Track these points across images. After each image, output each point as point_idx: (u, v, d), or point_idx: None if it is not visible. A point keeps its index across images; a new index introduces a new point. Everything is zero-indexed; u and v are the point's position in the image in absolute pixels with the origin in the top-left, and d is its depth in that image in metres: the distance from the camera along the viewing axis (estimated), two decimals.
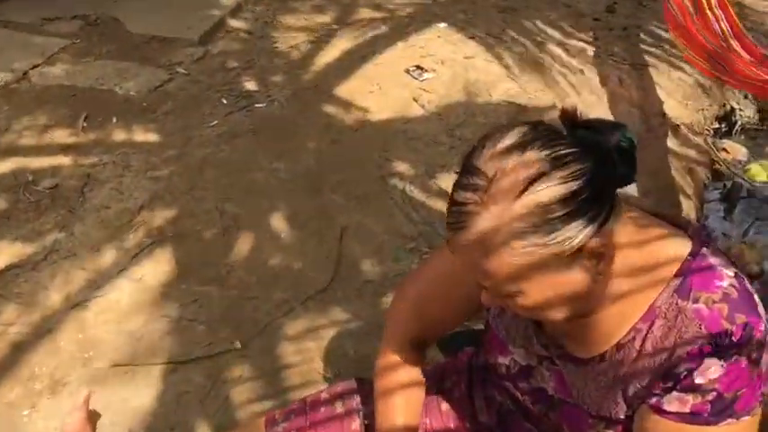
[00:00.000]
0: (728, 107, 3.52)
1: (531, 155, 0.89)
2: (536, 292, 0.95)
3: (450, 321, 1.43)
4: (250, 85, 3.25)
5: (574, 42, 3.63)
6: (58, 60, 3.46)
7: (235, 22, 3.83)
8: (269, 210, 2.49)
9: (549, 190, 0.87)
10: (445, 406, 1.52)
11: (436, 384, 1.55)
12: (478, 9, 3.96)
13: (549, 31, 3.73)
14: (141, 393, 1.87)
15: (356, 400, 1.55)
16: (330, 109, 3.07)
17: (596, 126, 0.92)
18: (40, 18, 3.83)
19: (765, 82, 2.43)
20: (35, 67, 3.40)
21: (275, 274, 2.23)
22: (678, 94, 3.40)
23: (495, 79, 3.26)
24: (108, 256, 2.30)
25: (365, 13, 3.90)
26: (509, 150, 0.90)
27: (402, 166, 2.70)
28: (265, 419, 1.60)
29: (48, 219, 2.48)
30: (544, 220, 0.88)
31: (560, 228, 0.88)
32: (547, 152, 0.89)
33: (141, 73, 3.35)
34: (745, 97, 3.52)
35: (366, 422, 1.51)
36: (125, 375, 1.92)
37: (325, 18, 3.84)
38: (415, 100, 3.12)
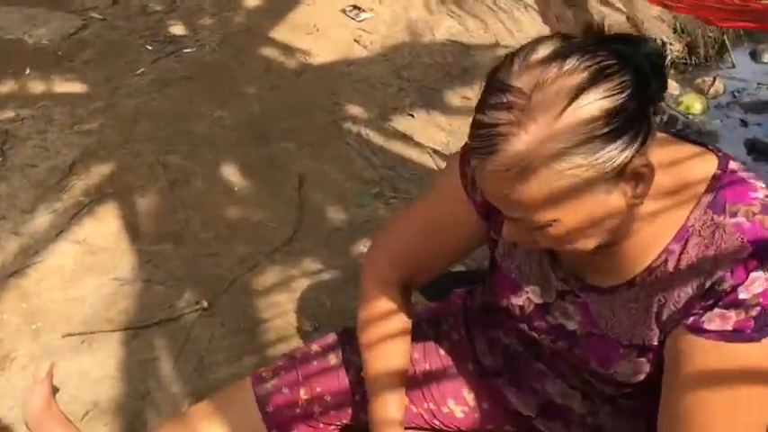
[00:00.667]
0: (659, 42, 3.55)
1: (572, 66, 0.81)
2: (572, 219, 0.88)
3: (435, 268, 1.35)
4: (176, 30, 3.01)
5: None
6: None
7: None
8: (216, 161, 2.32)
9: (594, 104, 0.80)
10: (444, 349, 1.45)
11: (433, 328, 1.48)
12: None
13: None
14: (102, 363, 1.70)
15: (349, 351, 1.46)
16: (267, 52, 2.89)
17: (627, 39, 0.86)
18: None
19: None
20: None
21: (234, 228, 2.08)
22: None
23: (437, 19, 3.15)
24: (43, 219, 2.08)
25: None
26: (546, 62, 0.82)
27: (353, 110, 2.58)
28: (251, 378, 1.49)
29: None
30: (588, 138, 0.81)
31: (604, 146, 0.81)
32: (588, 63, 0.81)
33: (51, 19, 3.04)
34: (674, 31, 3.57)
35: (362, 373, 1.42)
36: (81, 345, 1.74)
37: None
38: (356, 41, 2.98)
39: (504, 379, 1.37)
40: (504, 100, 0.81)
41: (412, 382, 1.40)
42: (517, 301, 1.21)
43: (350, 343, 1.46)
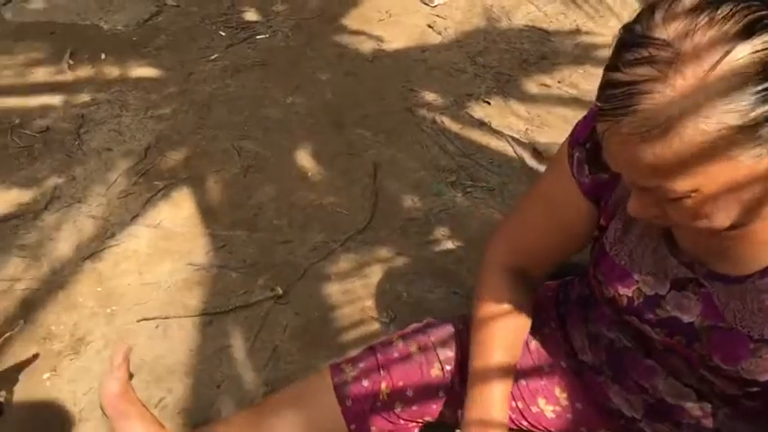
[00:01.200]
0: None
1: (725, 15, 0.71)
2: (713, 187, 0.77)
3: (551, 258, 1.28)
4: (248, 16, 2.99)
5: None
6: None
7: None
8: (291, 147, 2.27)
9: (749, 58, 0.70)
10: (534, 344, 1.37)
11: None
12: None
13: None
14: (177, 349, 1.68)
15: (431, 341, 1.39)
16: (339, 39, 2.83)
17: None
18: None
19: None
20: (5, 3, 3.08)
21: (308, 216, 2.03)
22: None
23: (514, 3, 3.04)
24: (119, 202, 2.08)
25: None
26: (695, 11, 0.72)
27: (428, 97, 2.50)
28: (330, 369, 1.43)
29: (43, 164, 2.23)
30: (740, 95, 0.71)
31: (758, 105, 0.71)
32: (743, 13, 0.71)
33: (127, 5, 3.06)
34: None
35: (447, 367, 1.35)
36: (155, 330, 1.72)
37: None
38: (430, 27, 2.90)
39: (606, 376, 1.27)
40: (646, 54, 0.72)
41: None
42: (626, 291, 1.11)
43: (434, 335, 1.39)
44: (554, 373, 1.35)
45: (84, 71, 2.66)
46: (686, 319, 1.04)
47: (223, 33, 2.87)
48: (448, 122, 2.38)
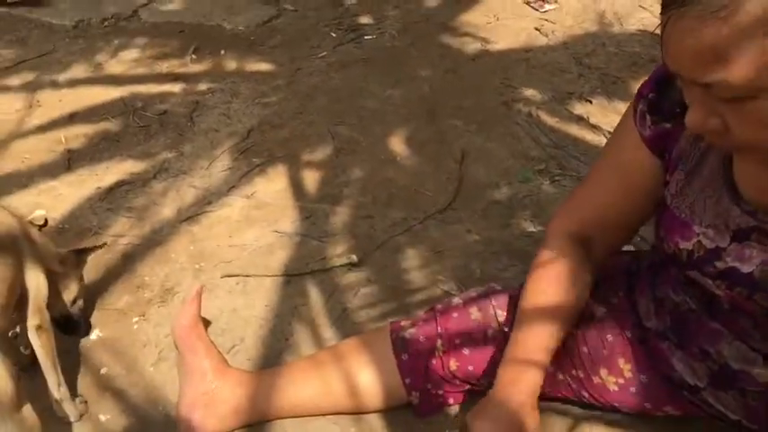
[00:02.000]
0: None
1: None
2: None
3: (617, 226, 1.25)
4: (361, 20, 3.11)
5: None
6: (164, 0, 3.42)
7: None
8: (383, 134, 2.33)
9: None
10: (600, 312, 1.32)
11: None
12: None
13: None
14: (253, 304, 1.75)
15: (492, 305, 1.38)
16: (445, 39, 2.89)
17: None
18: None
19: None
20: (143, 5, 3.37)
21: (391, 195, 2.07)
22: None
23: (628, 10, 2.99)
24: (219, 175, 2.21)
25: None
26: None
27: (527, 92, 2.49)
28: (390, 325, 1.45)
29: (157, 141, 2.41)
30: None
31: None
32: None
33: (249, 9, 3.27)
34: None
35: (506, 329, 1.33)
36: (236, 286, 1.80)
37: None
38: (537, 30, 2.89)
39: (671, 343, 1.22)
40: None
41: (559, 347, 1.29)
42: (686, 244, 1.07)
43: (494, 299, 1.39)
44: (618, 343, 1.30)
45: (205, 65, 2.87)
46: (745, 269, 1.00)
47: (334, 35, 3.00)
48: (544, 116, 2.36)
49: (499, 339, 1.34)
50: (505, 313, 1.36)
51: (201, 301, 1.52)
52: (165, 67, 2.87)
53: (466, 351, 1.37)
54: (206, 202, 2.10)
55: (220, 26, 3.14)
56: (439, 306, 1.44)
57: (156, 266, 1.89)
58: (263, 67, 2.80)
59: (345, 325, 1.65)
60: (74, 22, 3.22)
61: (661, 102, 1.10)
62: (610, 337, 1.32)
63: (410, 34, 2.95)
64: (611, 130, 2.25)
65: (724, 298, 1.07)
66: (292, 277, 1.81)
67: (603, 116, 2.35)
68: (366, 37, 2.95)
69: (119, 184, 2.21)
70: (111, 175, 2.24)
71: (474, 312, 1.39)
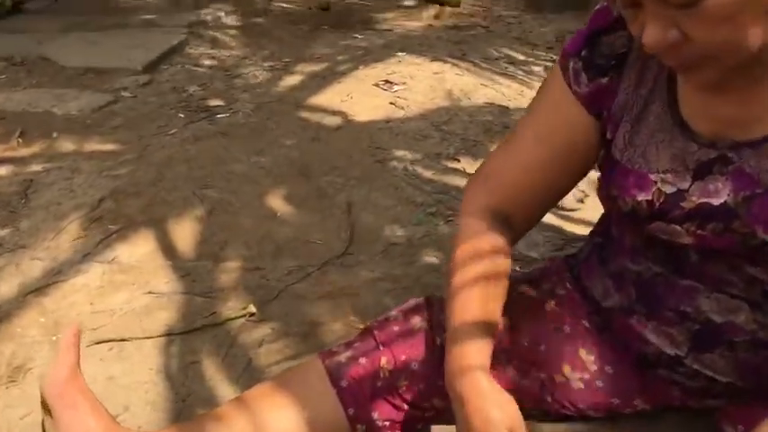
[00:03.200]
0: None
1: None
2: None
3: (543, 195, 1.15)
4: (210, 102, 2.96)
5: (538, 61, 3.57)
6: None
7: (179, 58, 3.58)
8: (257, 194, 2.15)
9: None
10: (550, 306, 1.20)
11: (533, 288, 1.24)
12: (433, 42, 3.89)
13: (510, 53, 3.68)
14: (135, 369, 1.43)
15: (436, 312, 1.21)
16: (302, 114, 2.81)
17: None
18: None
19: None
20: None
21: (279, 247, 1.87)
22: None
23: (472, 88, 3.11)
24: (68, 245, 1.88)
25: (318, 50, 3.74)
26: None
27: (397, 153, 2.44)
28: (320, 354, 1.23)
29: None
30: None
31: None
32: None
33: (81, 96, 3.00)
34: None
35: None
36: (109, 352, 1.48)
37: (279, 55, 3.64)
38: (392, 104, 2.91)
39: (639, 315, 1.11)
40: None
41: (515, 350, 1.15)
42: (644, 195, 0.99)
43: (437, 306, 1.22)
44: (577, 335, 1.18)
45: (35, 147, 2.54)
46: (716, 201, 0.93)
47: (182, 115, 2.82)
48: (420, 170, 2.31)
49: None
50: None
51: (81, 329, 1.21)
52: None
53: (415, 365, 1.17)
54: (55, 272, 1.77)
55: (49, 112, 2.83)
56: (374, 323, 1.24)
57: None
58: (106, 147, 2.53)
59: (254, 376, 1.39)
60: None
61: (594, 57, 1.07)
62: (567, 329, 1.19)
63: (265, 111, 2.84)
64: None
65: (693, 245, 0.99)
66: (178, 336, 1.52)
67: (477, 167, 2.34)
68: (219, 115, 2.79)
69: None
70: None
71: (418, 322, 1.21)
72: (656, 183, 0.96)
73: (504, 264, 1.08)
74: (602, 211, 1.18)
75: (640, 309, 1.09)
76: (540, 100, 1.15)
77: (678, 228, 0.96)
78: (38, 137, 2.61)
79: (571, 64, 1.06)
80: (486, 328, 1.02)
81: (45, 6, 4.56)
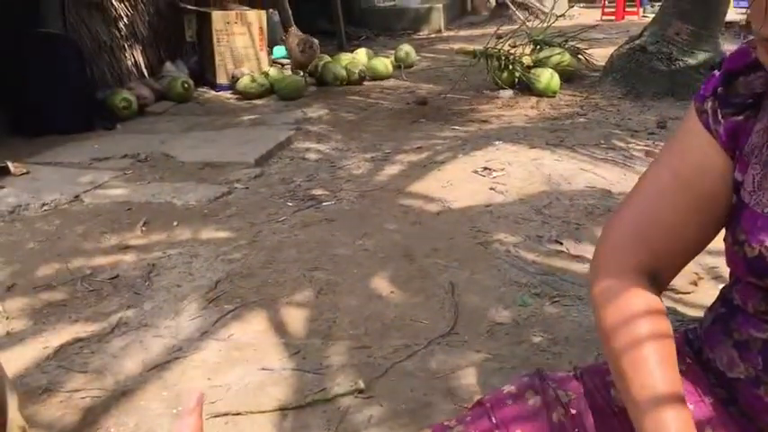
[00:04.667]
0: None
1: None
2: None
3: (685, 246, 1.14)
4: (315, 192, 3.10)
5: (639, 146, 3.56)
6: (109, 186, 3.33)
7: (288, 153, 3.79)
8: (363, 275, 2.21)
9: None
10: None
11: None
12: (530, 131, 3.96)
13: (611, 140, 3.68)
14: None
15: (551, 387, 1.20)
16: (403, 201, 2.90)
17: None
18: (89, 158, 3.78)
19: None
20: (86, 191, 3.27)
21: (385, 325, 1.91)
22: None
23: (572, 173, 3.13)
24: (188, 323, 1.99)
25: (418, 141, 3.87)
26: None
27: (499, 236, 2.47)
28: (433, 428, 1.23)
29: (111, 302, 2.18)
30: None
31: None
32: None
33: (198, 189, 3.22)
34: None
35: (573, 411, 1.15)
36: (225, 426, 1.54)
37: (380, 147, 3.79)
38: (492, 189, 2.96)
39: (767, 385, 1.07)
40: None
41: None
42: None
43: (551, 378, 1.21)
44: (701, 411, 1.14)
45: (157, 235, 2.72)
46: None
47: (291, 204, 2.96)
48: (523, 252, 2.32)
49: (566, 425, 1.15)
50: (567, 391, 1.18)
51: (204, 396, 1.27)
52: (113, 239, 2.70)
53: None
54: (176, 349, 1.86)
55: (170, 203, 3.05)
56: (486, 397, 1.24)
57: (123, 416, 1.60)
58: (221, 234, 2.69)
59: None
60: (10, 207, 3.05)
61: (729, 96, 1.07)
62: (691, 406, 1.15)
63: (368, 199, 2.95)
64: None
65: None
66: (290, 411, 1.56)
67: (583, 250, 2.33)
68: (325, 203, 2.92)
69: (69, 343, 1.94)
70: (59, 335, 1.98)
71: (531, 397, 1.20)
72: None
73: (666, 323, 1.04)
74: (716, 292, 1.14)
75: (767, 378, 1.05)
76: (673, 146, 1.14)
77: None
78: (160, 225, 2.80)
79: (708, 104, 1.06)
80: (676, 393, 0.97)
81: (165, 109, 4.96)
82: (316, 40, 5.65)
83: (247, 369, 1.74)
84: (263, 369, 1.73)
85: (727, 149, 1.06)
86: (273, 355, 1.79)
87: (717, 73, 1.10)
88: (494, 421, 1.17)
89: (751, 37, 0.97)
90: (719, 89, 1.06)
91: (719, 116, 1.05)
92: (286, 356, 1.78)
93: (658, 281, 1.11)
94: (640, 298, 1.08)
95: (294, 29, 5.82)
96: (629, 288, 1.08)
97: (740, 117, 1.04)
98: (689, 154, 1.09)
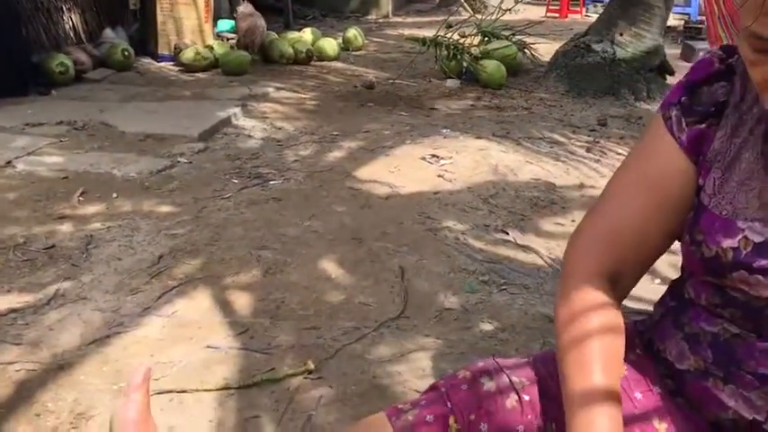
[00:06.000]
0: None
1: None
2: None
3: (649, 249, 1.17)
4: (262, 170, 3.05)
5: (579, 143, 3.63)
6: (43, 153, 3.19)
7: (232, 129, 3.71)
8: (312, 257, 2.19)
9: None
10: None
11: None
12: (476, 121, 3.99)
13: (553, 135, 3.75)
14: (195, 421, 1.45)
15: (506, 373, 1.21)
16: (352, 184, 2.88)
17: None
18: (22, 123, 3.61)
19: None
20: (18, 157, 3.12)
21: (334, 307, 1.89)
22: None
23: (517, 165, 3.17)
24: (129, 298, 1.92)
25: (367, 125, 3.85)
26: None
27: (447, 223, 2.48)
28: (387, 411, 1.23)
29: (46, 273, 2.10)
30: None
31: None
32: None
33: (140, 161, 3.12)
34: None
35: (525, 397, 1.16)
36: (170, 403, 1.50)
37: (327, 129, 3.75)
38: (440, 176, 2.97)
39: (716, 378, 1.10)
40: None
41: None
42: (731, 242, 1.01)
43: (505, 364, 1.22)
44: (649, 400, 1.17)
45: (95, 207, 2.62)
46: None
47: (236, 180, 2.91)
48: (471, 240, 2.34)
49: (520, 411, 1.16)
50: (522, 378, 1.20)
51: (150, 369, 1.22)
52: (47, 209, 2.58)
53: (484, 428, 1.17)
54: (116, 324, 1.80)
55: (109, 173, 2.94)
56: (441, 381, 1.24)
57: (61, 391, 1.55)
58: (164, 208, 2.61)
59: (315, 431, 1.39)
60: None
61: (693, 105, 1.10)
62: (638, 395, 1.18)
63: (316, 180, 2.92)
64: (542, 250, 2.28)
65: None
66: (236, 390, 1.54)
67: (528, 240, 2.37)
68: (271, 182, 2.88)
69: (3, 314, 1.85)
70: None
71: (486, 382, 1.21)
72: (743, 230, 0.97)
73: (617, 326, 1.06)
74: (655, 287, 1.17)
75: (716, 371, 1.08)
76: (639, 152, 1.16)
77: (761, 278, 0.97)
78: (98, 197, 2.70)
79: (673, 112, 1.08)
80: (611, 393, 0.99)
81: (104, 77, 4.78)
82: (262, 24, 5.54)
83: (192, 347, 1.70)
84: (209, 347, 1.70)
85: (690, 155, 1.09)
86: (219, 333, 1.76)
87: (682, 80, 1.13)
88: (448, 405, 1.18)
89: (708, 48, 0.99)
90: (683, 98, 1.09)
91: (683, 124, 1.08)
92: (232, 335, 1.74)
93: (620, 285, 1.14)
94: (596, 300, 1.10)
95: (245, 4, 5.67)
96: (588, 290, 1.10)
97: (703, 125, 1.07)
98: (654, 158, 1.12)
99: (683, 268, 1.14)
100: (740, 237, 0.98)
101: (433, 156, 3.24)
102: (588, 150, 3.51)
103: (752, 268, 0.97)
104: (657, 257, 1.17)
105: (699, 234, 1.05)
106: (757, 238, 0.96)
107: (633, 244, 1.13)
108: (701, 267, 1.06)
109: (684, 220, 1.12)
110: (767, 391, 1.03)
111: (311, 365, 1.60)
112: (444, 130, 3.70)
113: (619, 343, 1.07)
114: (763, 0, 0.77)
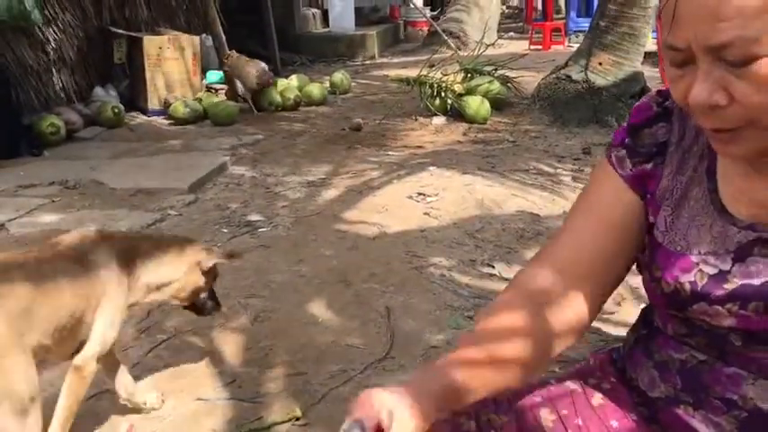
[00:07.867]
0: None
1: None
2: None
3: (604, 269, 1.19)
4: (251, 217, 3.09)
5: (565, 171, 3.68)
6: (37, 213, 3.24)
7: (222, 179, 3.76)
8: (300, 302, 2.22)
9: None
10: (597, 400, 1.22)
11: (580, 381, 1.26)
12: (462, 156, 4.04)
13: (539, 165, 3.80)
14: None
15: (483, 415, 1.23)
16: (340, 226, 2.91)
17: None
18: (15, 186, 3.67)
19: None
20: (11, 220, 3.17)
21: (322, 352, 1.91)
22: None
23: (503, 198, 3.21)
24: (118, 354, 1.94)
25: (353, 166, 3.91)
26: None
27: (434, 260, 2.51)
28: None
29: None
30: None
31: None
32: None
33: (130, 216, 3.16)
34: None
35: None
36: None
37: (316, 173, 3.81)
38: (426, 214, 3.01)
39: (686, 405, 1.12)
40: None
41: None
42: (687, 277, 1.04)
43: (484, 405, 1.24)
44: (624, 429, 1.19)
45: None
46: (758, 281, 0.97)
47: (225, 230, 2.94)
48: (457, 276, 2.36)
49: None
50: (503, 416, 1.22)
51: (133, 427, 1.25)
52: None
53: None
54: (102, 381, 1.82)
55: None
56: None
57: None
58: None
59: None
60: None
61: (637, 146, 1.14)
62: (615, 423, 1.20)
63: (304, 225, 2.95)
64: None
65: (735, 328, 1.02)
66: None
67: (513, 273, 2.39)
68: (260, 229, 2.92)
69: None
70: None
71: (465, 422, 1.23)
72: (697, 264, 1.00)
73: (531, 349, 1.06)
74: (639, 311, 1.21)
75: (686, 398, 1.10)
76: (588, 188, 1.20)
77: (720, 308, 0.99)
78: None
79: (615, 152, 1.12)
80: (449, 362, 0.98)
81: (95, 135, 4.86)
82: (262, 66, 5.60)
83: (182, 399, 1.71)
84: (198, 399, 1.72)
85: (637, 190, 1.12)
86: (208, 384, 1.78)
87: (624, 125, 1.17)
88: None
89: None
90: (627, 140, 1.14)
91: (629, 164, 1.12)
92: (221, 386, 1.76)
93: (573, 306, 1.15)
94: (512, 301, 1.09)
95: (234, 53, 5.77)
96: (512, 293, 1.10)
97: (649, 165, 1.11)
98: (601, 191, 1.15)
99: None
100: (695, 270, 1.01)
101: (420, 194, 3.29)
102: (574, 179, 3.55)
103: (710, 299, 1.00)
104: (618, 278, 1.19)
105: (657, 270, 1.08)
106: (711, 271, 0.99)
107: (586, 260, 1.15)
108: (663, 302, 1.09)
109: (633, 249, 1.15)
110: (736, 416, 1.05)
111: (298, 412, 1.62)
112: (431, 168, 3.75)
113: (514, 346, 1.04)
114: (673, 8, 0.81)
